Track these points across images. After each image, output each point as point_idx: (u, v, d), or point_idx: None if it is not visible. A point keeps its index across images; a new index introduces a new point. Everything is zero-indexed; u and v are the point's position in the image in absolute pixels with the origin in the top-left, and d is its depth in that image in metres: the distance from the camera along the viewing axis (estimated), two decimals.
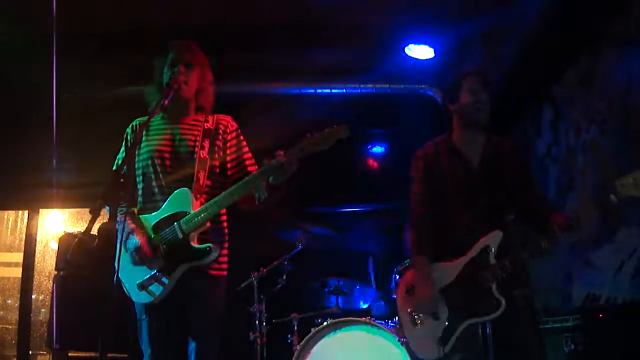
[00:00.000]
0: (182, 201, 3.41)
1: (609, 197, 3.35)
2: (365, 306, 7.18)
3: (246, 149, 3.70)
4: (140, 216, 3.52)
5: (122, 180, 3.36)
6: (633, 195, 3.30)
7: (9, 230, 9.00)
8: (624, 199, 3.32)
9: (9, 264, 8.78)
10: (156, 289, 3.36)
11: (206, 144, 3.58)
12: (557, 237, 3.43)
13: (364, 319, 5.40)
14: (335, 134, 3.29)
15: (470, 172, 3.74)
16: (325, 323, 5.39)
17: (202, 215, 3.37)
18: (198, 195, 3.45)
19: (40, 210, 8.23)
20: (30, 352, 7.73)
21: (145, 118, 3.57)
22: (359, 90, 6.74)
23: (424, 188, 3.84)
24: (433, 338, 3.55)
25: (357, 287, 6.79)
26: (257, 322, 5.85)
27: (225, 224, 3.64)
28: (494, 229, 3.56)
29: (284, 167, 3.29)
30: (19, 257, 8.18)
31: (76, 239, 5.39)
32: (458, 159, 3.79)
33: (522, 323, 3.51)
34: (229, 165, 3.63)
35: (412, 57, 6.25)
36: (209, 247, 3.37)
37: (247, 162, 3.65)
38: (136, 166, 3.59)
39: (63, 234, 5.90)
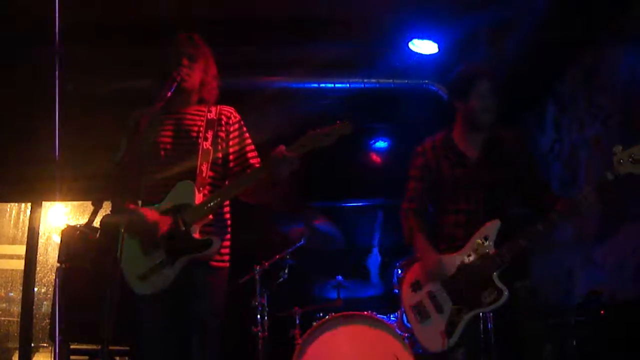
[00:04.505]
0: (185, 193, 3.41)
1: (606, 174, 3.34)
2: (367, 300, 7.19)
3: (249, 140, 3.70)
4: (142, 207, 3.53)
5: (124, 172, 3.37)
6: (631, 172, 3.29)
7: (12, 222, 9.02)
8: (621, 177, 3.30)
9: (11, 257, 8.80)
10: (158, 280, 3.36)
11: (209, 134, 3.58)
12: (554, 221, 3.43)
13: (365, 313, 5.40)
14: (338, 131, 3.29)
15: (468, 167, 3.76)
16: (326, 317, 5.40)
17: (205, 207, 3.38)
18: (201, 188, 3.45)
19: (43, 202, 8.24)
20: (32, 345, 7.75)
21: (147, 109, 3.56)
22: (363, 85, 6.74)
23: (420, 185, 3.88)
24: (438, 330, 3.57)
25: (359, 281, 6.80)
26: (258, 315, 5.85)
27: (227, 217, 3.65)
28: (494, 219, 3.57)
29: (286, 162, 3.29)
30: (21, 249, 8.19)
31: (78, 232, 5.44)
32: (456, 154, 3.81)
33: (525, 315, 3.53)
34: (230, 157, 3.63)
35: (415, 52, 6.25)
36: (210, 239, 3.38)
37: (250, 154, 3.65)
38: (139, 158, 3.59)
39: (65, 226, 5.89)
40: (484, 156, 3.76)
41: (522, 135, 3.99)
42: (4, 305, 8.78)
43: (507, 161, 3.72)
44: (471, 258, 3.58)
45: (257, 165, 3.55)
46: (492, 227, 3.57)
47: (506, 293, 3.44)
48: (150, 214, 3.40)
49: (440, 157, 3.85)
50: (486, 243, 3.55)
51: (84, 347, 5.55)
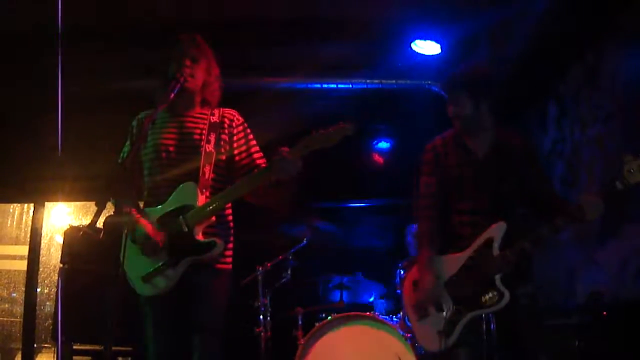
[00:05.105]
0: (188, 195, 3.42)
1: (615, 183, 3.32)
2: (370, 300, 7.20)
3: (253, 142, 3.70)
4: (145, 209, 3.53)
5: (127, 173, 3.38)
6: None
7: (15, 223, 9.02)
8: (630, 187, 3.29)
9: (14, 257, 8.80)
10: (161, 282, 3.37)
11: (212, 137, 3.58)
12: (558, 226, 3.42)
13: (367, 313, 5.41)
14: (340, 132, 3.30)
15: (476, 165, 3.74)
16: (329, 318, 5.40)
17: (208, 209, 3.39)
18: (203, 189, 3.46)
19: (46, 203, 8.23)
20: (35, 345, 7.75)
21: (150, 111, 3.57)
22: (365, 86, 6.75)
23: (431, 181, 3.86)
24: (436, 330, 3.56)
25: (361, 282, 6.80)
26: (261, 316, 5.86)
27: (230, 218, 3.65)
28: (500, 220, 3.56)
29: (289, 164, 3.30)
30: (24, 250, 8.19)
31: (81, 232, 5.44)
32: (465, 151, 3.80)
33: (524, 323, 3.52)
34: (237, 159, 3.63)
35: (418, 53, 6.25)
36: (214, 241, 3.38)
37: (256, 155, 3.66)
38: (142, 159, 3.60)
39: (68, 227, 5.90)
40: (491, 156, 3.75)
41: (528, 139, 3.98)
42: (7, 305, 8.79)
43: (514, 162, 3.71)
44: (475, 259, 3.57)
45: (264, 165, 3.55)
46: (497, 229, 3.55)
47: (507, 296, 3.43)
48: (150, 229, 3.41)
49: (450, 154, 3.84)
50: (491, 244, 3.54)
51: (87, 347, 5.55)
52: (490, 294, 3.47)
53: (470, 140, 3.82)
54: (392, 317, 5.52)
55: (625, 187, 3.30)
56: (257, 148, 3.71)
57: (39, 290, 8.02)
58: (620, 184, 3.32)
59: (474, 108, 3.74)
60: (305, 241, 6.07)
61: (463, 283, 3.57)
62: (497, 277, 3.48)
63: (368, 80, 6.75)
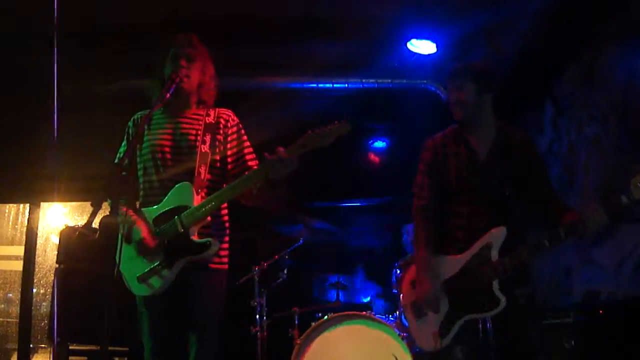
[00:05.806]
0: (183, 195, 3.42)
1: (620, 198, 3.29)
2: (366, 300, 7.22)
3: (247, 143, 3.70)
4: (141, 209, 3.53)
5: (123, 173, 3.37)
6: None
7: (10, 223, 9.01)
8: (636, 201, 3.24)
9: (10, 258, 8.79)
10: (156, 282, 3.37)
11: (207, 138, 3.58)
12: (560, 237, 3.39)
13: (364, 313, 5.41)
14: (336, 131, 3.28)
15: (476, 165, 3.69)
16: (325, 317, 5.40)
17: (203, 209, 3.38)
18: (199, 190, 3.45)
19: (42, 203, 8.24)
20: (31, 345, 7.75)
21: (146, 112, 3.57)
22: (361, 85, 6.74)
23: (428, 180, 3.83)
24: (432, 330, 3.56)
25: (358, 281, 6.81)
26: (257, 316, 5.86)
27: (226, 218, 3.64)
28: (499, 224, 3.55)
29: (285, 163, 3.29)
30: (20, 250, 8.20)
31: (77, 233, 5.44)
32: (465, 149, 3.74)
33: (523, 322, 3.51)
34: (229, 160, 3.63)
35: (414, 52, 6.24)
36: (209, 241, 3.37)
37: (248, 157, 3.65)
38: (138, 160, 3.59)
39: (64, 227, 5.89)
40: (493, 157, 3.70)
41: (530, 138, 3.94)
42: (3, 306, 8.78)
43: (515, 163, 3.67)
44: (473, 263, 3.55)
45: (255, 167, 3.54)
46: (498, 234, 3.51)
47: (503, 302, 3.40)
48: (145, 232, 3.41)
49: (450, 154, 3.79)
50: (490, 250, 3.52)
51: (83, 347, 5.55)
52: (487, 299, 3.45)
53: (472, 138, 3.76)
54: (388, 317, 5.52)
55: (631, 202, 3.24)
56: (251, 150, 3.70)
57: (34, 290, 8.02)
58: (626, 199, 3.25)
59: (476, 96, 3.70)
60: (301, 241, 6.07)
61: (460, 286, 3.55)
62: (494, 282, 3.46)
63: (364, 80, 6.74)
